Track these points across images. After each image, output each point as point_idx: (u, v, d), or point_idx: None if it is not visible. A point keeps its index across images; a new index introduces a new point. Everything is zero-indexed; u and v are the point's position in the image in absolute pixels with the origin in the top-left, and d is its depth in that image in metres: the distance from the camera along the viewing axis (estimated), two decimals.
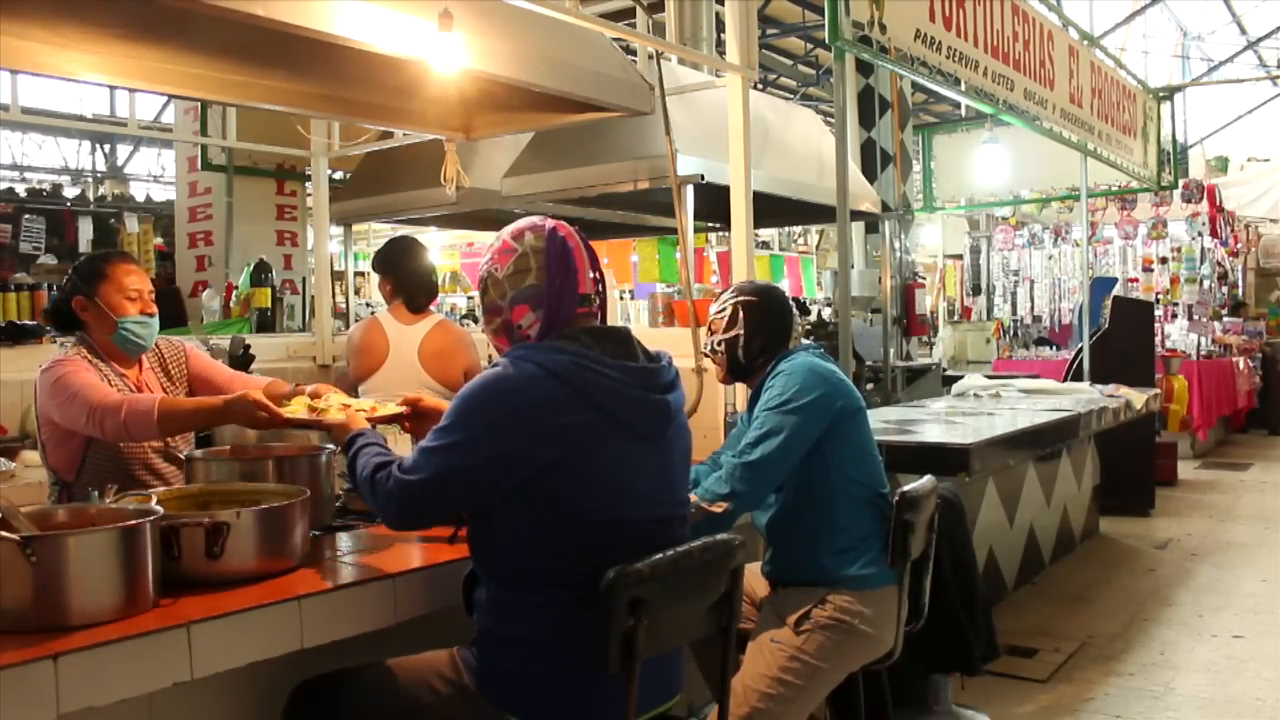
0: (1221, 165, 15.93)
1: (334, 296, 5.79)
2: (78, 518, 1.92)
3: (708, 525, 2.38)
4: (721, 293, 2.88)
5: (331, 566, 2.15)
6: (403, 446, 2.48)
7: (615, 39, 3.32)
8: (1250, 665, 4.28)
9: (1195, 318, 11.21)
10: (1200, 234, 11.71)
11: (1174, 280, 11.60)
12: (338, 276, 6.43)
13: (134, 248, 7.37)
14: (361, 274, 8.61)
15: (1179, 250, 11.66)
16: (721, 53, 3.75)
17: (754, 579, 2.71)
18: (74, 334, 2.78)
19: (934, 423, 4.79)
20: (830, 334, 6.47)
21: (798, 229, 13.87)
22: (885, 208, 7.38)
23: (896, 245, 8.50)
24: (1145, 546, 6.50)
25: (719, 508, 2.47)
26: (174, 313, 5.73)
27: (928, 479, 2.72)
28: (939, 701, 3.57)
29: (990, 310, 12.76)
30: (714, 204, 4.29)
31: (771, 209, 5.05)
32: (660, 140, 3.70)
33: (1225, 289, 12.62)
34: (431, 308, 4.01)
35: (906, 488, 2.59)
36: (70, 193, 10.59)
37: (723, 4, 3.64)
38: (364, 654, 2.06)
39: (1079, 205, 7.94)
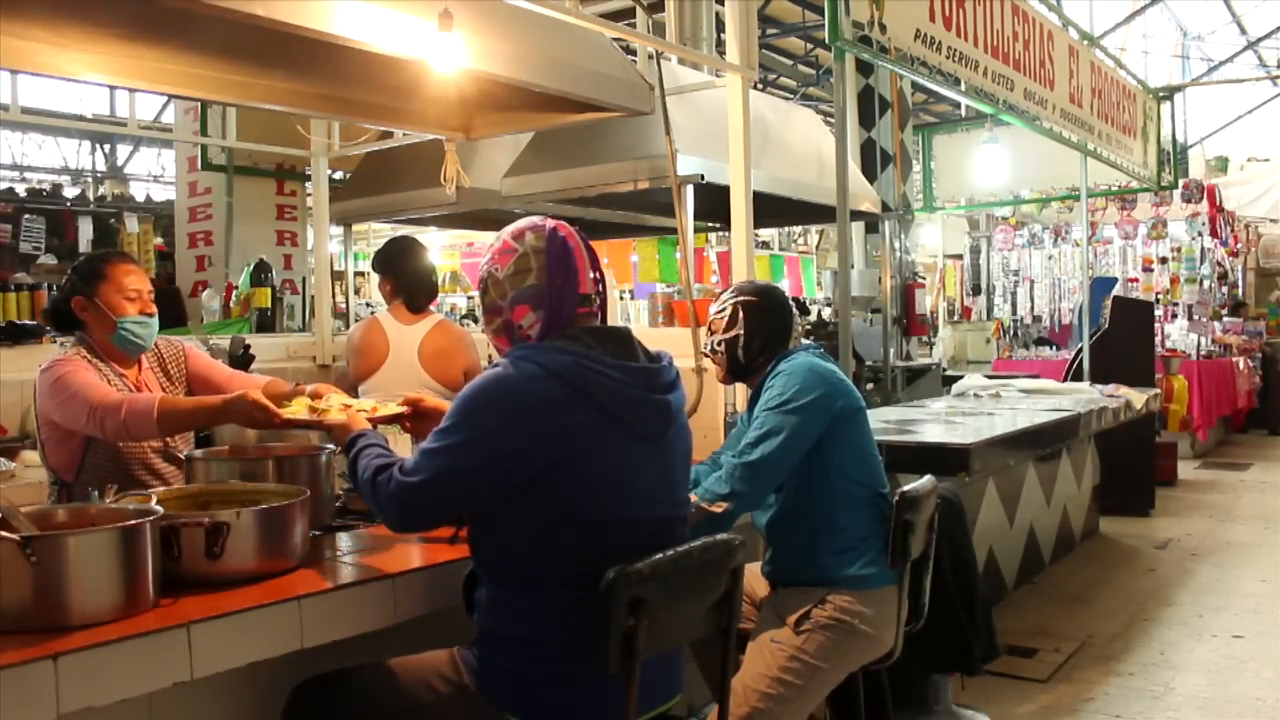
0: (1221, 165, 15.93)
1: (334, 296, 5.79)
2: (78, 518, 1.92)
3: (708, 525, 2.38)
4: (721, 293, 2.88)
5: (331, 566, 2.15)
6: (403, 446, 2.48)
7: (615, 39, 3.32)
8: (1250, 665, 4.29)
9: (1195, 318, 11.21)
10: (1200, 234, 11.71)
11: (1174, 280, 11.60)
12: (338, 276, 6.43)
13: (134, 248, 7.37)
14: (361, 274, 8.61)
15: (1179, 250, 11.66)
16: (721, 53, 3.75)
17: (754, 579, 2.71)
18: (73, 334, 2.78)
19: (934, 423, 4.79)
20: (830, 334, 6.47)
21: (798, 229, 13.87)
22: (885, 208, 7.38)
23: (896, 245, 8.50)
24: (1145, 546, 6.50)
25: (719, 508, 2.47)
26: (174, 313, 5.72)
27: (928, 479, 2.72)
28: (939, 701, 3.57)
29: (990, 310, 12.77)
30: (714, 204, 4.29)
31: (771, 209, 5.05)
32: (660, 140, 3.70)
33: (1225, 289, 12.63)
34: (431, 308, 4.01)
35: (906, 488, 2.59)
36: (70, 193, 10.59)
37: (723, 4, 3.64)
38: (364, 654, 2.06)
39: (1079, 205, 7.94)
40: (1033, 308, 12.05)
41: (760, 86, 8.92)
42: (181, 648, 1.71)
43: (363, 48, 2.52)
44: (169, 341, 2.97)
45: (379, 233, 9.54)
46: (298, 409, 2.36)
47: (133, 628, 1.68)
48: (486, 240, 2.64)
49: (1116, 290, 10.33)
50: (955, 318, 13.87)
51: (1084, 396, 5.91)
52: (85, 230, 7.61)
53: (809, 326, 7.10)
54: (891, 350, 7.40)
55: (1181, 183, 11.22)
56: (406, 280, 3.91)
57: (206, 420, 2.65)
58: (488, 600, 1.94)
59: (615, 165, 4.36)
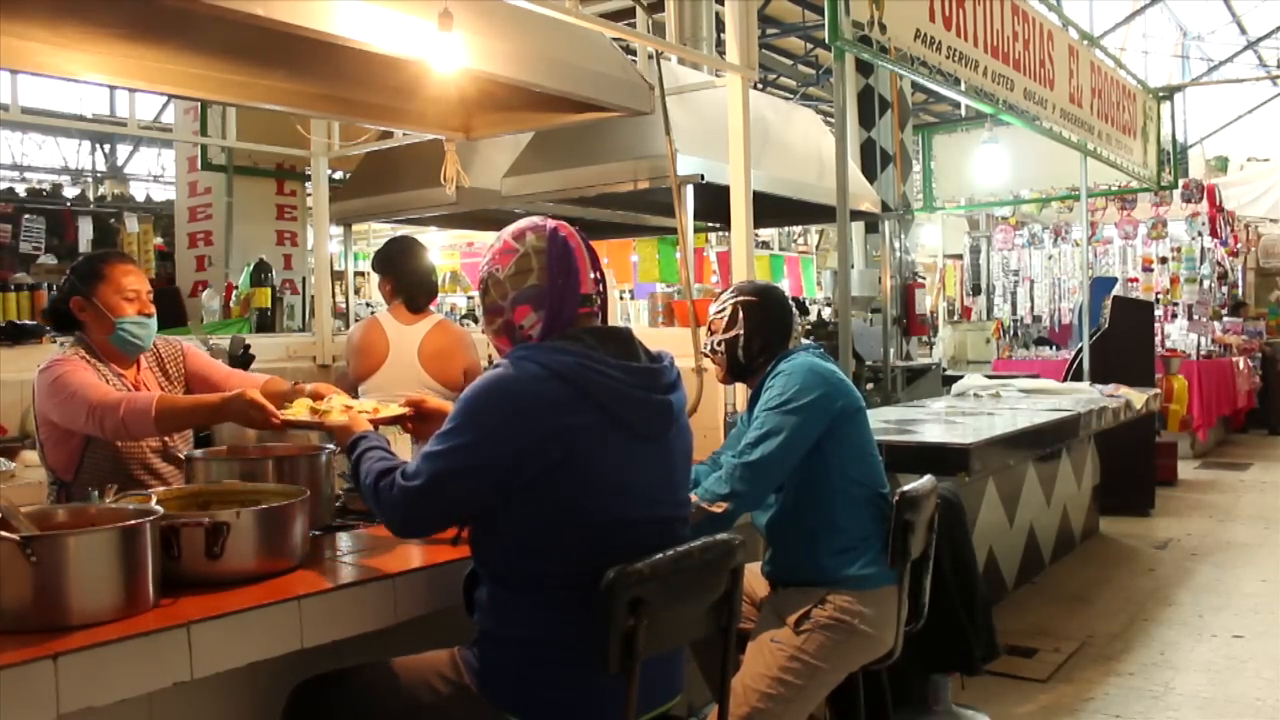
0: (1221, 165, 15.93)
1: (334, 296, 5.79)
2: (78, 518, 1.92)
3: (708, 525, 2.38)
4: (721, 293, 2.88)
5: (331, 566, 2.15)
6: (403, 446, 2.48)
7: (615, 39, 3.32)
8: (1250, 665, 4.29)
9: (1195, 318, 11.21)
10: (1200, 234, 11.72)
11: (1174, 280, 11.60)
12: (338, 276, 6.43)
13: (134, 248, 7.37)
14: (361, 274, 8.61)
15: (1179, 250, 11.66)
16: (721, 53, 3.75)
17: (754, 579, 2.71)
18: (72, 334, 2.78)
19: (934, 423, 4.79)
20: (830, 334, 6.47)
21: (798, 229, 13.86)
22: (885, 208, 7.38)
23: (896, 245, 8.50)
24: (1145, 546, 6.50)
25: (719, 508, 2.47)
26: (174, 313, 5.72)
27: (928, 479, 2.72)
28: (939, 701, 3.57)
29: (990, 310, 12.77)
30: (714, 204, 4.29)
31: (771, 209, 5.05)
32: (660, 140, 3.70)
33: (1225, 289, 12.63)
34: (431, 308, 4.01)
35: (906, 488, 2.59)
36: (70, 193, 10.60)
37: (723, 4, 3.64)
38: (364, 654, 2.06)
39: (1079, 205, 7.94)
40: (1033, 308, 12.05)
41: (760, 86, 8.92)
42: (181, 648, 1.71)
43: (363, 48, 2.52)
44: (167, 341, 2.97)
45: (379, 233, 9.54)
46: (299, 410, 2.36)
47: (133, 628, 1.68)
48: (486, 240, 2.64)
49: (1116, 290, 10.33)
50: (955, 318, 13.87)
51: (1084, 396, 5.91)
52: (85, 230, 7.61)
53: (809, 326, 7.10)
54: (891, 350, 7.40)
55: (1181, 183, 11.22)
56: (406, 280, 3.91)
57: (205, 419, 2.65)
58: (488, 600, 1.94)
59: (615, 165, 4.36)
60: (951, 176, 10.27)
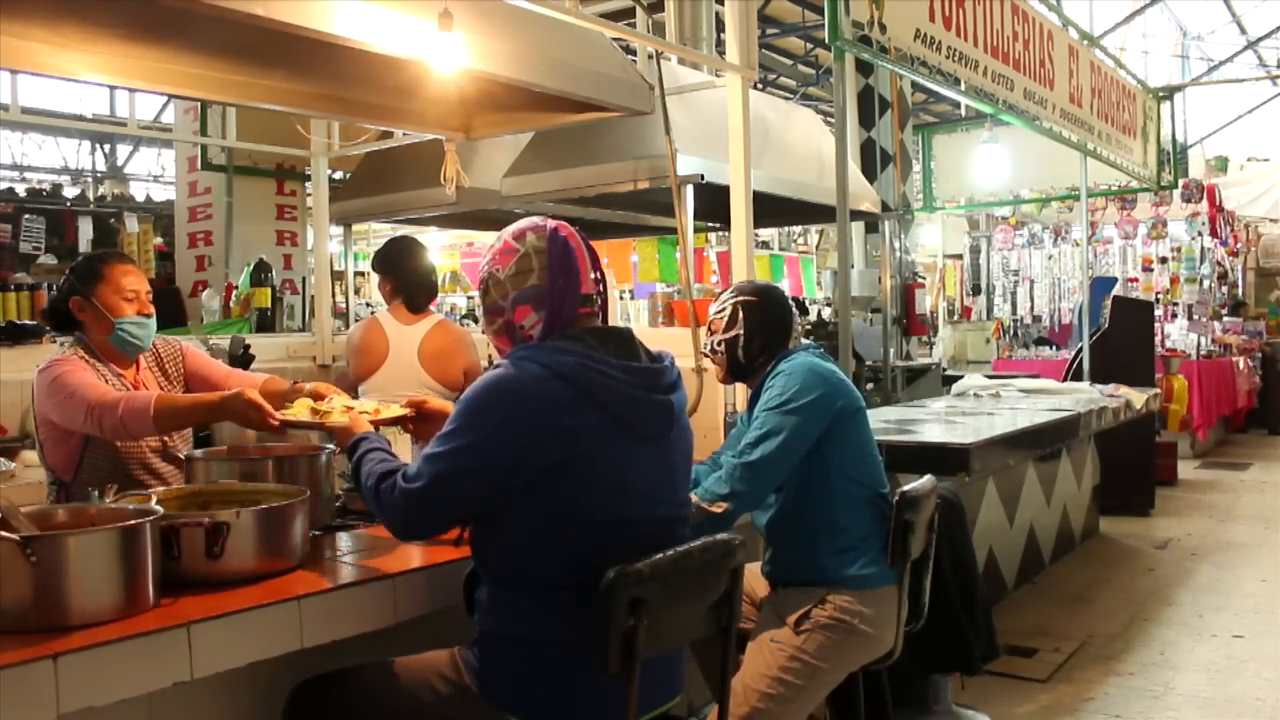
0: (1221, 165, 15.93)
1: (334, 296, 5.79)
2: (78, 518, 1.92)
3: (708, 525, 2.38)
4: (721, 293, 2.88)
5: (331, 566, 2.15)
6: (403, 447, 2.48)
7: (615, 39, 3.32)
8: (1250, 665, 4.29)
9: (1195, 317, 11.21)
10: (1200, 234, 11.72)
11: (1174, 280, 11.61)
12: (338, 276, 6.43)
13: (134, 248, 7.37)
14: (361, 274, 8.61)
15: (1179, 250, 11.66)
16: (721, 53, 3.75)
17: (754, 579, 2.71)
18: (72, 334, 2.78)
19: (934, 423, 4.79)
20: (830, 334, 6.47)
21: (798, 229, 13.86)
22: (885, 208, 7.38)
23: (896, 245, 8.50)
24: (1145, 546, 6.50)
25: (719, 508, 2.47)
26: (174, 312, 5.73)
27: (928, 479, 2.72)
28: (939, 701, 3.58)
29: (990, 310, 12.77)
30: (714, 204, 4.28)
31: (771, 209, 5.05)
32: (660, 140, 3.70)
33: (1225, 289, 12.63)
34: (431, 308, 4.01)
35: (906, 488, 2.58)
36: (70, 193, 10.60)
37: (723, 4, 3.64)
38: (364, 654, 2.06)
39: (1079, 205, 7.94)
40: (1033, 308, 12.05)
41: (760, 86, 8.92)
42: (181, 648, 1.71)
43: (363, 48, 2.52)
44: (166, 341, 2.97)
45: (379, 233, 9.54)
46: (300, 410, 2.36)
47: (133, 628, 1.68)
48: (486, 240, 2.64)
49: (1116, 290, 10.33)
50: (955, 318, 13.87)
51: (1084, 396, 5.91)
52: (85, 230, 7.61)
53: (809, 326, 7.10)
54: (891, 350, 7.40)
55: (1181, 183, 11.22)
56: (406, 280, 3.91)
57: (203, 417, 2.65)
58: (488, 600, 1.94)
59: (615, 165, 4.36)
60: (951, 176, 10.27)
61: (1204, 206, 11.72)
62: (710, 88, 4.13)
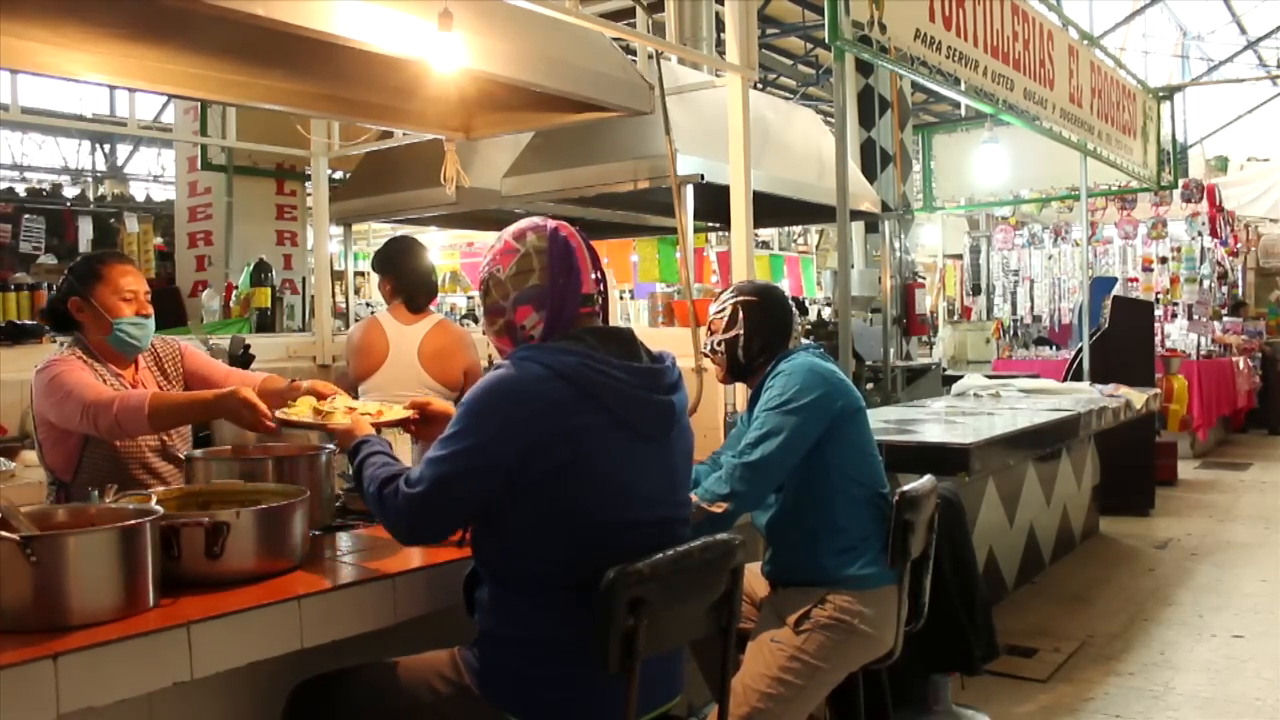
0: (1221, 165, 15.93)
1: (334, 296, 5.79)
2: (78, 518, 1.91)
3: (708, 525, 2.38)
4: (721, 293, 2.88)
5: (331, 566, 2.15)
6: (403, 446, 2.48)
7: (615, 39, 3.32)
8: (1250, 665, 4.29)
9: (1195, 317, 11.21)
10: (1200, 234, 11.72)
11: (1174, 280, 11.61)
12: (338, 276, 6.43)
13: (134, 248, 7.37)
14: (361, 274, 8.62)
15: (1179, 250, 11.66)
16: (721, 53, 3.75)
17: (754, 579, 2.71)
18: (71, 334, 2.78)
19: (934, 423, 4.79)
20: (830, 334, 6.47)
21: (798, 229, 13.86)
22: (885, 208, 7.38)
23: (896, 245, 8.50)
24: (1145, 546, 6.50)
25: (719, 508, 2.47)
26: (174, 312, 5.73)
27: (928, 479, 2.72)
28: (939, 701, 3.58)
29: (990, 310, 12.77)
30: (714, 204, 4.28)
31: (771, 209, 5.05)
32: (660, 140, 3.70)
33: (1225, 289, 12.63)
34: (431, 308, 4.01)
35: (906, 488, 2.58)
36: (70, 192, 10.60)
37: (723, 4, 3.64)
38: (364, 654, 2.06)
39: (1079, 205, 7.94)
40: (1033, 307, 12.05)
41: (760, 86, 8.92)
42: (181, 648, 1.71)
43: (363, 48, 2.51)
44: (165, 341, 2.97)
45: (379, 233, 9.54)
46: (303, 410, 2.35)
47: (133, 628, 1.68)
48: (486, 240, 2.64)
49: (1116, 290, 10.33)
50: (955, 318, 13.87)
51: (1084, 396, 5.91)
52: (85, 230, 7.61)
53: (809, 326, 7.10)
54: (891, 350, 7.40)
55: (1181, 183, 11.22)
56: (406, 280, 3.91)
57: (198, 415, 2.66)
58: (489, 600, 1.94)
59: (615, 165, 4.36)
60: (951, 176, 10.27)
61: (1204, 206, 11.72)
62: (710, 88, 4.13)
